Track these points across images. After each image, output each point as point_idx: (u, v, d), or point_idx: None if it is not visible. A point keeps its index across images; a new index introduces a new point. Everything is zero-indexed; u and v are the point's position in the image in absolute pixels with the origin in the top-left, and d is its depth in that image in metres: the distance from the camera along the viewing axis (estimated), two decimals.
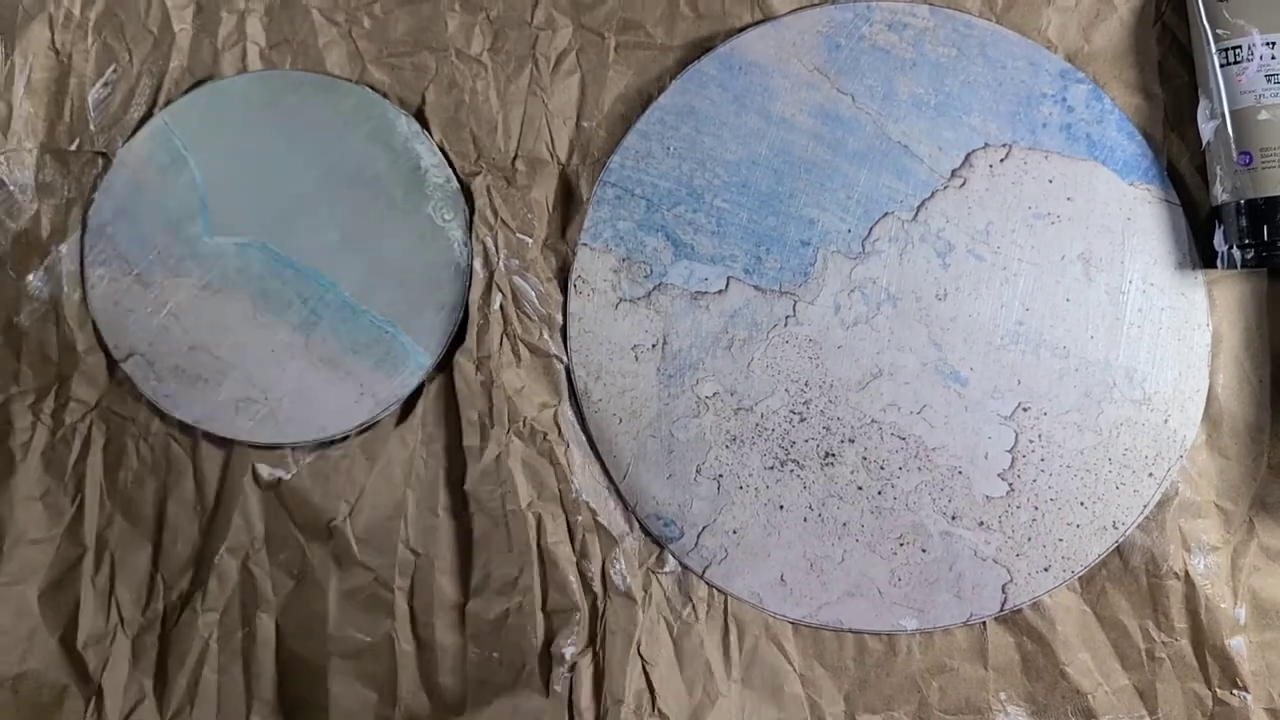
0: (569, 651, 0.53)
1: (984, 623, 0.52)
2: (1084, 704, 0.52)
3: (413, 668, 0.54)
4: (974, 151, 0.52)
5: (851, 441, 0.52)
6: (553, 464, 0.53)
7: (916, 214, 0.52)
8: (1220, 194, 0.50)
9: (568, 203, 0.54)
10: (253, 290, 0.55)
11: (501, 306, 0.54)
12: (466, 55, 0.55)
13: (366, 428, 0.55)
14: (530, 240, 0.54)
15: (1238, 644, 0.51)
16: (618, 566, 0.53)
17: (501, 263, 0.54)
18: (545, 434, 0.53)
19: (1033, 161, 0.52)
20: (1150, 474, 0.51)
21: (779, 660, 0.53)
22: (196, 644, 0.54)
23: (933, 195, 0.52)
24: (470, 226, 0.54)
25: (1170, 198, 0.52)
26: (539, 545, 0.53)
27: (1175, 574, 0.52)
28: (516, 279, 0.54)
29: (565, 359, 0.54)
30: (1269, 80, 0.49)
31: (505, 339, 0.54)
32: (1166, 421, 0.52)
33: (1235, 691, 0.51)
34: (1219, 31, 0.50)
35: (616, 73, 0.54)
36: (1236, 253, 0.50)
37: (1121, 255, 0.52)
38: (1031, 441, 0.52)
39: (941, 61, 0.53)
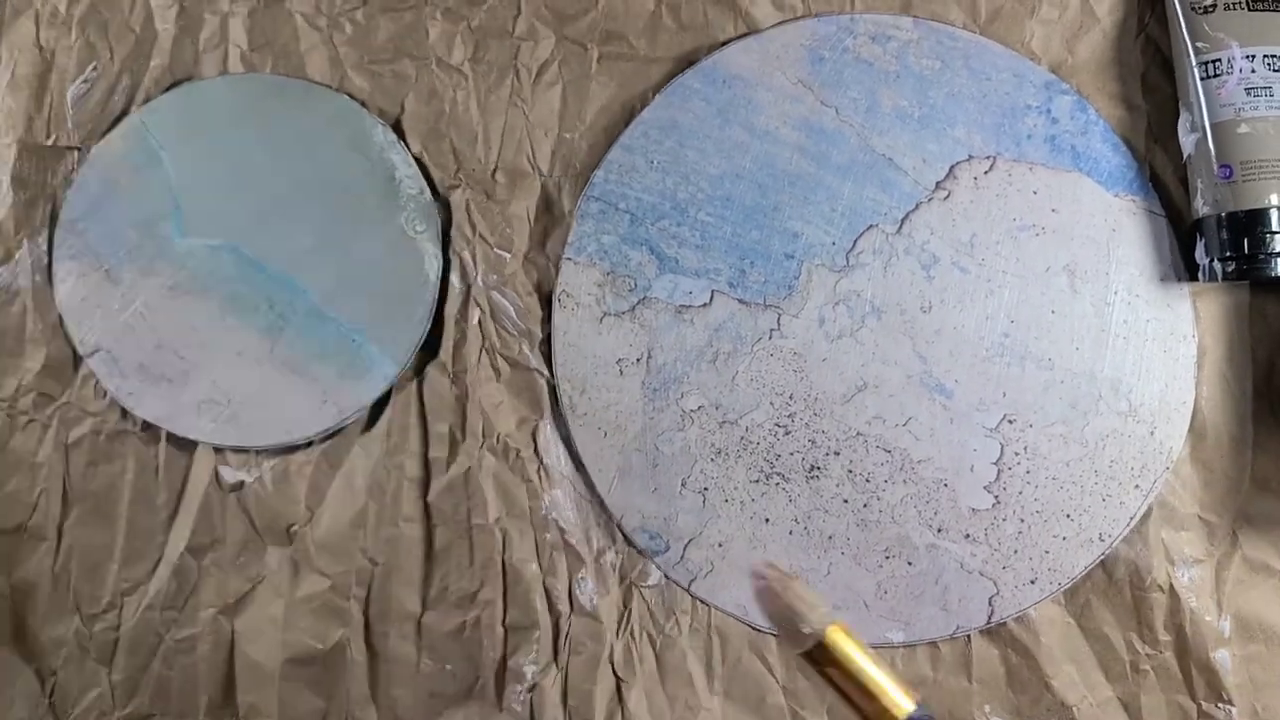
0: (529, 670, 0.53)
1: (968, 635, 0.52)
2: (1069, 716, 0.51)
3: (363, 678, 0.54)
4: (958, 164, 0.52)
5: (837, 454, 0.52)
6: (524, 480, 0.53)
7: (901, 226, 0.52)
8: (1201, 207, 0.50)
9: (548, 215, 0.54)
10: (222, 292, 0.54)
11: (480, 321, 0.54)
12: (447, 64, 0.54)
13: (330, 435, 0.54)
14: (509, 255, 0.54)
15: (1222, 657, 0.51)
16: (585, 586, 0.53)
17: (480, 278, 0.54)
18: (519, 450, 0.53)
19: (1017, 173, 0.52)
20: (1136, 486, 0.51)
21: (762, 673, 0.53)
22: (150, 641, 0.54)
23: (917, 208, 0.52)
24: (443, 239, 0.54)
25: (1155, 209, 0.52)
26: (504, 561, 0.53)
27: (1159, 586, 0.52)
28: (495, 294, 0.54)
29: (546, 373, 0.54)
30: (1249, 93, 0.49)
31: (484, 354, 0.54)
32: (1153, 434, 0.51)
33: (1220, 705, 0.51)
34: (1199, 44, 0.50)
35: (599, 84, 0.54)
36: (1218, 266, 0.50)
37: (1107, 267, 0.52)
38: (1017, 454, 0.52)
39: (925, 74, 0.53)
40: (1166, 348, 0.52)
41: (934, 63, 0.53)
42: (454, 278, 0.54)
